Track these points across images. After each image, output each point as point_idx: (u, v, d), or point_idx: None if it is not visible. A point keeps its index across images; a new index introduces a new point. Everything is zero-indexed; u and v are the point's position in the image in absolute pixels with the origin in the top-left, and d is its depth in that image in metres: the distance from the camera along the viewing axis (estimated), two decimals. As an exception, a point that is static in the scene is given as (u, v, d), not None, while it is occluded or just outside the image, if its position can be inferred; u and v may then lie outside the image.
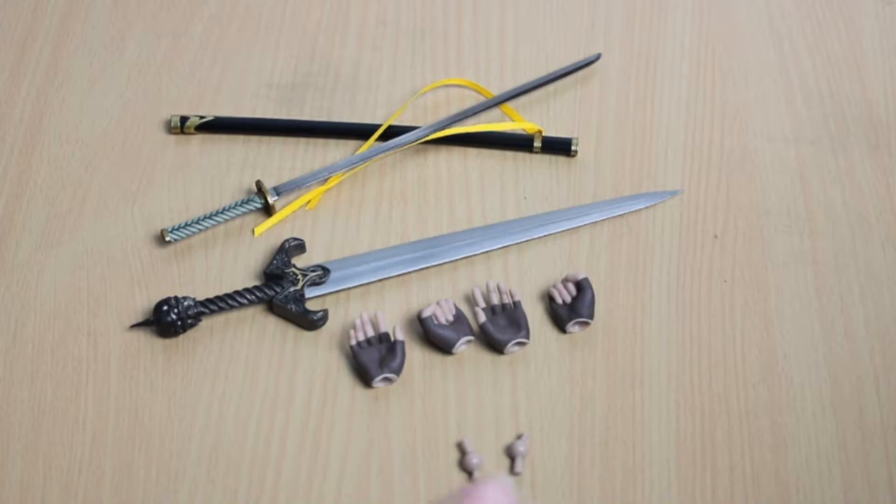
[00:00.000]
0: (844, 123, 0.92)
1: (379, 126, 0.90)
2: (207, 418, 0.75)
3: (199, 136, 0.90)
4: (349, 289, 0.81)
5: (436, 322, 0.78)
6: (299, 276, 0.80)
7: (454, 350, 0.77)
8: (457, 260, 0.83)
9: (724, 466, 0.74)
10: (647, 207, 0.86)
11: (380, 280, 0.82)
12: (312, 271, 0.81)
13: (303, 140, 0.90)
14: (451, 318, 0.78)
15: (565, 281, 0.80)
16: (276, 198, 0.85)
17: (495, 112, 0.92)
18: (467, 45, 0.97)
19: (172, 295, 0.79)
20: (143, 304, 0.80)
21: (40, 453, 0.74)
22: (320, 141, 0.90)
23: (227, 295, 0.79)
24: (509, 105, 0.92)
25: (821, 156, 0.90)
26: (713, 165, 0.89)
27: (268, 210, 0.85)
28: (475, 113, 0.91)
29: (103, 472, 0.73)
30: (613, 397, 0.77)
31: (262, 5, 0.99)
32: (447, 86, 0.94)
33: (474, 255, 0.83)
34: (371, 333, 0.78)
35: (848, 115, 0.93)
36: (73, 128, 0.90)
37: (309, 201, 0.86)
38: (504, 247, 0.84)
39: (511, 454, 0.74)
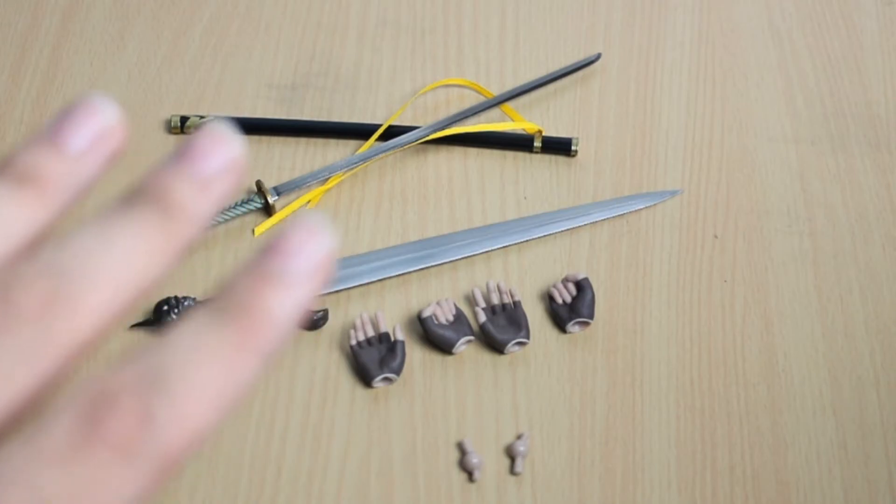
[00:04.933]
0: (844, 123, 0.92)
1: (379, 126, 0.90)
2: (207, 418, 0.75)
3: (199, 136, 0.90)
4: (349, 289, 0.81)
5: (436, 322, 0.78)
6: (299, 276, 0.80)
7: (454, 350, 0.77)
8: (457, 260, 0.83)
9: (724, 466, 0.74)
10: (647, 207, 0.86)
11: (380, 280, 0.82)
12: (312, 271, 0.81)
13: (303, 140, 0.90)
14: (451, 318, 0.78)
15: (565, 281, 0.80)
16: (276, 198, 0.85)
17: (495, 112, 0.92)
18: (467, 45, 0.97)
19: (172, 295, 0.79)
20: (142, 303, 0.80)
21: (40, 453, 0.74)
22: (320, 141, 0.90)
23: (227, 295, 0.79)
24: (509, 105, 0.92)
25: (821, 156, 0.90)
26: (713, 165, 0.89)
27: (268, 210, 0.85)
28: (475, 113, 0.91)
29: (103, 472, 0.73)
30: (613, 397, 0.77)
31: (262, 5, 0.99)
32: (447, 86, 0.94)
33: (474, 255, 0.83)
34: (371, 333, 0.78)
35: (848, 115, 0.93)
36: (73, 128, 0.90)
37: (309, 201, 0.86)
38: (504, 247, 0.84)
39: (511, 454, 0.74)
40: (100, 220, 0.25)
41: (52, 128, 0.26)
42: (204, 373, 0.24)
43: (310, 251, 0.26)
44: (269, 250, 0.26)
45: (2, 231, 0.25)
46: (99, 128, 0.27)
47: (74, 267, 0.24)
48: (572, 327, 0.79)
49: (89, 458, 0.23)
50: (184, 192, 0.26)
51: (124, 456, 0.23)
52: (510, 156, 0.90)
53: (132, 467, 0.23)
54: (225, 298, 0.25)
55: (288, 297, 0.25)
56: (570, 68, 0.94)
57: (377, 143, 0.89)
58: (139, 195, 0.26)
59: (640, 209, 0.86)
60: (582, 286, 0.80)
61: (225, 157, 0.28)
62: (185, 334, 0.25)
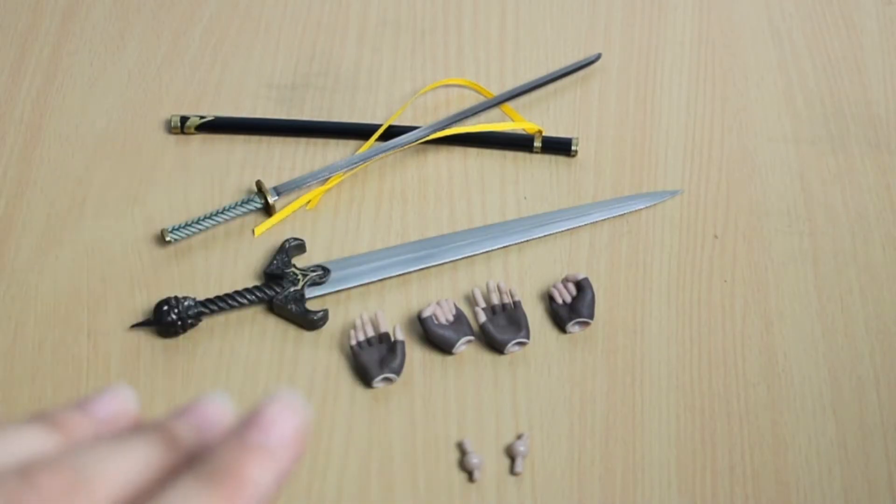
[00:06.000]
0: (844, 123, 0.92)
1: (379, 126, 0.90)
2: (207, 418, 0.75)
3: (199, 136, 0.90)
4: (349, 289, 0.81)
5: (436, 322, 0.78)
6: (299, 276, 0.80)
7: (454, 350, 0.77)
8: (457, 260, 0.83)
9: (724, 466, 0.74)
10: (647, 207, 0.86)
11: (380, 280, 0.82)
12: (312, 271, 0.81)
13: (303, 140, 0.90)
14: (451, 318, 0.78)
15: (565, 281, 0.80)
16: (276, 198, 0.85)
17: (495, 112, 0.92)
18: (467, 45, 0.97)
19: (172, 295, 0.79)
20: (143, 304, 0.80)
21: (40, 453, 0.74)
22: (320, 141, 0.90)
23: (227, 295, 0.79)
24: (509, 105, 0.92)
25: (821, 156, 0.90)
26: (713, 165, 0.89)
27: (268, 210, 0.85)
28: (475, 113, 0.91)
29: (103, 472, 0.73)
30: (613, 397, 0.77)
31: (262, 5, 0.99)
32: (447, 86, 0.94)
33: (474, 255, 0.83)
34: (371, 333, 0.78)
35: (848, 115, 0.93)
36: (73, 128, 0.90)
37: (309, 201, 0.86)
38: (504, 247, 0.84)
39: (511, 454, 0.74)
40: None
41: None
42: None
43: (285, 424, 0.30)
44: (248, 423, 0.30)
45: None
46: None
47: (88, 467, 0.28)
48: (572, 327, 0.79)
49: None
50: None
51: None
52: (510, 156, 0.90)
53: None
54: (210, 465, 0.29)
55: (267, 466, 0.29)
56: (570, 68, 0.94)
57: (377, 143, 0.89)
58: (149, 427, 0.31)
59: (640, 209, 0.86)
60: (582, 286, 0.80)
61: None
62: (176, 499, 0.28)
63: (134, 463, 0.29)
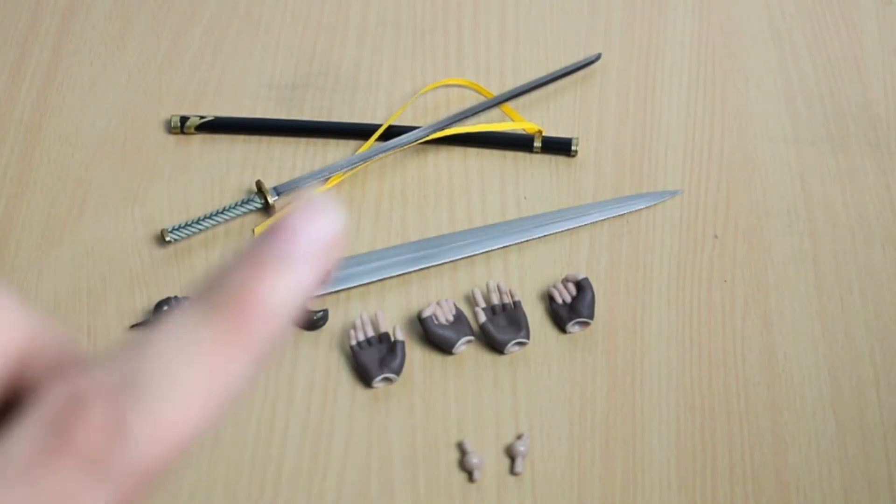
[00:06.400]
0: (844, 123, 0.92)
1: (379, 126, 0.90)
2: (207, 418, 0.75)
3: (199, 136, 0.90)
4: (349, 289, 0.81)
5: (436, 322, 0.78)
6: (299, 276, 0.80)
7: (454, 350, 0.77)
8: (457, 260, 0.83)
9: (724, 466, 0.74)
10: (647, 207, 0.86)
11: (380, 280, 0.82)
12: (312, 271, 0.81)
13: (303, 140, 0.90)
14: (451, 318, 0.78)
15: (565, 281, 0.80)
16: (276, 198, 0.85)
17: (495, 112, 0.92)
18: (467, 45, 0.97)
19: (172, 295, 0.79)
20: (143, 304, 0.80)
21: (40, 453, 0.73)
22: (320, 141, 0.90)
23: (227, 295, 0.79)
24: (509, 105, 0.92)
25: (821, 156, 0.90)
26: (713, 165, 0.89)
27: (268, 210, 0.85)
28: (475, 113, 0.91)
29: (103, 472, 0.73)
30: (613, 397, 0.77)
31: (262, 5, 0.99)
32: (447, 86, 0.94)
33: (474, 255, 0.83)
34: (371, 333, 0.78)
35: (848, 115, 0.93)
36: (73, 128, 0.90)
37: (309, 201, 0.86)
38: (504, 247, 0.84)
39: (511, 454, 0.74)
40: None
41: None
42: (186, 377, 0.21)
43: (309, 232, 0.23)
44: (264, 234, 0.23)
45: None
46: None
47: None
48: (572, 327, 0.79)
49: (56, 472, 0.20)
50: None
51: (94, 470, 0.20)
52: (510, 156, 0.90)
53: (103, 482, 0.20)
54: (213, 290, 0.22)
55: (282, 284, 0.22)
56: (570, 68, 0.94)
57: (377, 143, 0.89)
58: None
59: (640, 209, 0.86)
60: (582, 286, 0.80)
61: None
62: (169, 332, 0.22)
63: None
